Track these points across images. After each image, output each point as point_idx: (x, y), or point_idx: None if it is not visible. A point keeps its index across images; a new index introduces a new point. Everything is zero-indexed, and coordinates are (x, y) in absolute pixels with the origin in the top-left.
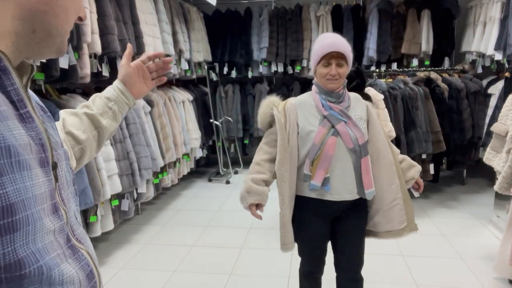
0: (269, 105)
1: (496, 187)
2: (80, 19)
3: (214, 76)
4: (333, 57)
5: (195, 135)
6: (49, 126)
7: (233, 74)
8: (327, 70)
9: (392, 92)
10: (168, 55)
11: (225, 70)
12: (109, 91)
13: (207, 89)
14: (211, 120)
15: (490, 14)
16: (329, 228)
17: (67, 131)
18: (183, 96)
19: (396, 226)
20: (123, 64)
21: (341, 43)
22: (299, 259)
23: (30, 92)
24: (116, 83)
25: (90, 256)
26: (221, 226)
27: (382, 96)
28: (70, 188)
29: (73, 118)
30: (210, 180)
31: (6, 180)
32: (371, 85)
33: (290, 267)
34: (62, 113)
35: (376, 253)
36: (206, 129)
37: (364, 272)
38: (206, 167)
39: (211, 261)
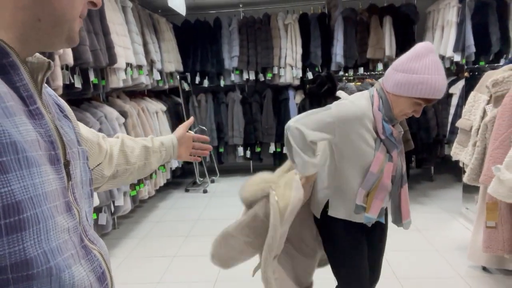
0: (264, 186)
1: (465, 179)
2: (93, 4)
3: (186, 86)
4: (430, 101)
5: None
6: (65, 125)
7: (205, 83)
8: (414, 109)
9: None
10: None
11: (197, 79)
12: (165, 139)
13: (180, 99)
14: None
15: (447, 18)
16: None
17: (121, 150)
18: (156, 106)
19: None
20: (183, 127)
21: (445, 89)
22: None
23: (48, 90)
24: (173, 136)
25: (102, 257)
26: (202, 235)
27: None
28: (85, 188)
29: (131, 142)
30: (187, 190)
31: (12, 177)
32: (342, 89)
33: None
34: (122, 135)
35: None
36: None
37: None
38: (182, 178)
39: (195, 270)
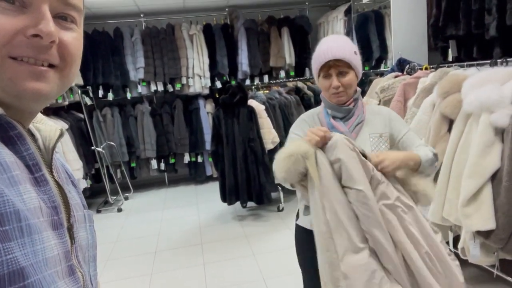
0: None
1: None
2: (38, 36)
3: (88, 100)
4: (332, 66)
5: (76, 165)
6: (72, 189)
7: (110, 96)
8: (329, 82)
9: (271, 102)
10: None
11: (100, 93)
12: None
13: (82, 115)
14: (92, 148)
15: (336, 30)
16: None
17: None
18: (57, 125)
19: None
20: None
21: (339, 48)
22: (212, 270)
23: (58, 156)
24: None
25: None
26: (124, 256)
27: (263, 107)
28: (91, 251)
29: None
30: (99, 211)
31: (14, 245)
32: (252, 98)
33: (205, 280)
34: None
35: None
36: (87, 157)
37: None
38: (92, 198)
39: None
